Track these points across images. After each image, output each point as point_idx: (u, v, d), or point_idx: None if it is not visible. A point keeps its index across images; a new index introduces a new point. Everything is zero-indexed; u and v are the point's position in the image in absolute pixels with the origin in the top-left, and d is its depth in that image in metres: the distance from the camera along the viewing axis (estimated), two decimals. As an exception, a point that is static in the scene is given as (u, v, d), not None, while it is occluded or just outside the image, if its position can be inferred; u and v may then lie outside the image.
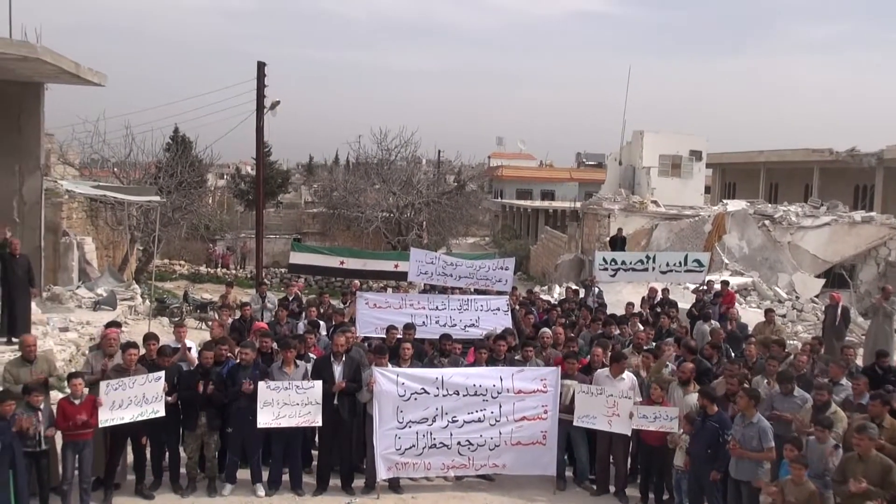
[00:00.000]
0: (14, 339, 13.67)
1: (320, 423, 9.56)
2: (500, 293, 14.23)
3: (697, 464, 8.88)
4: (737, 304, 18.98)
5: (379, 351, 10.05)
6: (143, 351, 9.71)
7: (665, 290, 17.12)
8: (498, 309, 13.14)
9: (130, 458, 9.67)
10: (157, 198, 24.46)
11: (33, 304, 15.23)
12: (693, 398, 9.32)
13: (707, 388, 9.23)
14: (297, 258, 17.33)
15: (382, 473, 9.59)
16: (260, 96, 25.48)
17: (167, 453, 9.71)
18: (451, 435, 9.74)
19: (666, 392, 9.73)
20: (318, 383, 9.45)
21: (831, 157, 36.78)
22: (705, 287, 17.90)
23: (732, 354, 11.82)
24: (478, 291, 14.69)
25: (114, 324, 10.83)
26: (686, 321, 15.50)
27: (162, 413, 9.05)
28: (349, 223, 41.51)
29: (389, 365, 9.89)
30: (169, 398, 9.24)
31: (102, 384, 8.82)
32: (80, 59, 18.15)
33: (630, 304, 15.68)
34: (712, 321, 14.33)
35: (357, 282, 19.12)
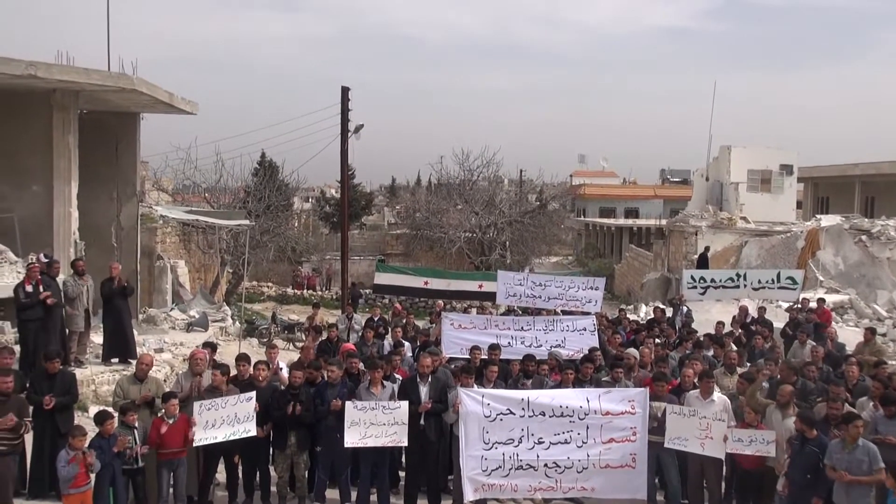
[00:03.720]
0: (112, 360, 14.23)
1: (406, 444, 9.58)
2: (585, 314, 14.05)
3: (796, 490, 8.52)
4: (833, 322, 18.30)
5: (465, 371, 10.03)
6: (234, 372, 9.93)
7: (761, 309, 16.63)
8: (584, 329, 12.96)
9: (222, 476, 9.89)
10: (246, 221, 25.16)
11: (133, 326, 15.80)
12: (791, 422, 8.97)
13: (805, 411, 8.87)
14: (382, 279, 17.54)
15: (469, 495, 9.52)
16: (344, 120, 25.97)
17: (258, 472, 9.88)
18: (538, 456, 9.60)
19: (762, 416, 9.41)
20: (405, 404, 9.47)
21: (932, 169, 35.21)
22: (800, 305, 17.31)
23: (832, 376, 11.34)
24: (563, 312, 14.55)
25: (209, 345, 11.11)
26: (780, 341, 15.00)
27: (253, 433, 9.21)
28: (432, 244, 41.77)
29: (475, 385, 9.86)
30: (261, 429, 9.39)
31: (196, 404, 9.04)
32: (173, 90, 18.89)
33: (720, 324, 15.28)
34: (810, 341, 13.82)
35: (441, 302, 19.20)
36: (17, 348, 12.43)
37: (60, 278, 13.60)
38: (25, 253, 16.05)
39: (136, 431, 8.83)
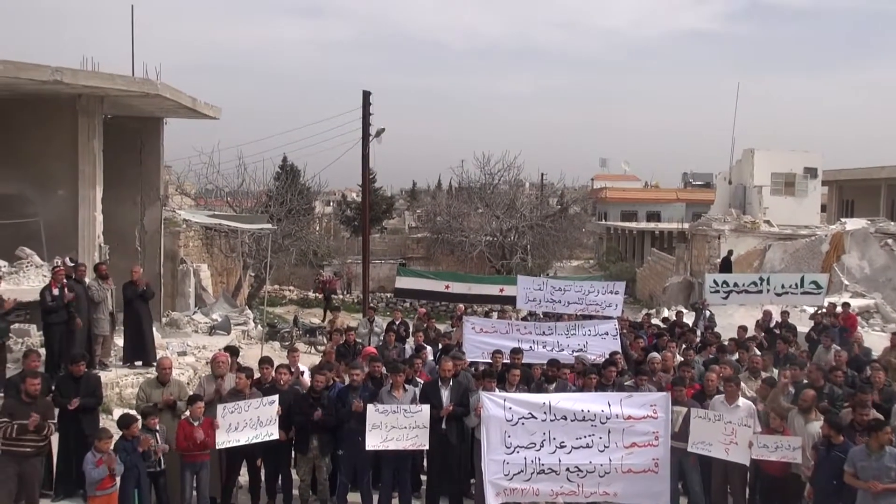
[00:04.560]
0: (136, 363, 14.34)
1: (427, 447, 9.59)
2: (607, 318, 13.98)
3: (822, 496, 8.42)
4: (859, 327, 18.10)
5: (487, 375, 10.02)
6: (256, 375, 9.98)
7: (784, 314, 16.47)
8: (606, 333, 12.90)
9: (244, 479, 9.93)
10: (269, 225, 25.27)
11: (154, 330, 15.92)
12: (815, 427, 8.88)
13: (833, 416, 8.77)
14: (403, 283, 17.53)
15: (491, 499, 9.49)
16: (365, 125, 26.02)
17: (280, 476, 9.91)
18: (560, 461, 9.57)
19: (785, 420, 9.31)
20: (426, 407, 9.47)
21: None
22: (825, 309, 17.14)
23: (858, 381, 11.21)
24: (584, 316, 14.48)
25: (231, 349, 11.17)
26: (805, 345, 14.85)
27: (276, 436, 9.25)
28: (453, 247, 41.78)
29: (497, 389, 9.84)
30: (283, 432, 9.43)
31: (219, 407, 9.10)
32: (196, 95, 19.04)
33: (743, 328, 15.14)
34: (834, 345, 13.67)
35: (462, 306, 19.17)
36: (43, 351, 12.55)
37: (86, 281, 13.71)
38: (51, 257, 16.21)
39: (157, 434, 8.90)
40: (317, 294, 37.98)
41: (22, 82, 15.17)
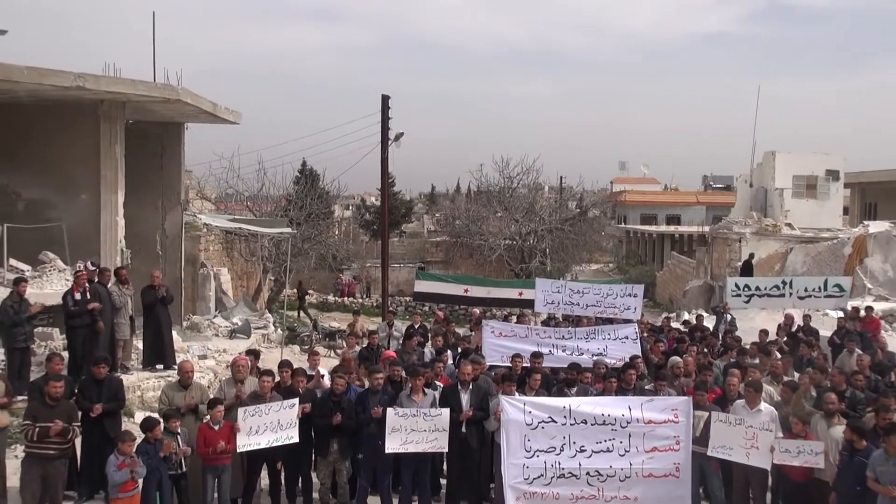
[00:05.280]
0: (158, 367, 14.44)
1: (446, 449, 9.59)
2: (627, 321, 13.93)
3: (845, 502, 8.34)
4: (882, 331, 17.91)
5: (507, 379, 10.00)
6: (277, 378, 10.01)
7: (807, 317, 16.33)
8: (626, 337, 12.84)
9: (265, 482, 9.97)
10: (288, 229, 25.39)
11: (174, 333, 16.02)
12: (837, 431, 8.79)
13: (856, 421, 8.69)
14: (422, 286, 17.57)
15: (511, 503, 9.48)
16: (384, 129, 26.04)
17: (301, 479, 9.94)
18: (580, 465, 9.53)
19: (807, 425, 9.23)
20: (446, 411, 9.48)
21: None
22: (848, 313, 16.98)
23: (881, 385, 11.09)
24: (604, 320, 14.43)
25: (252, 352, 11.23)
26: (827, 349, 14.71)
27: (296, 439, 9.28)
28: (472, 251, 41.74)
29: (516, 393, 9.83)
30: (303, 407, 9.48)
31: (240, 410, 9.14)
32: (216, 100, 19.18)
33: (764, 332, 15.03)
34: (857, 349, 13.54)
35: (477, 310, 19.15)
36: (66, 354, 12.66)
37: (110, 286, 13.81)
38: (73, 261, 16.38)
39: (179, 437, 8.96)
40: (336, 298, 38.13)
41: (45, 88, 15.35)
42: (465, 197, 55.29)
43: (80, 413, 9.21)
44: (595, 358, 11.98)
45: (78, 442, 9.35)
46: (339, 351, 21.49)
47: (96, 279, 13.49)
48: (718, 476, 9.70)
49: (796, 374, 11.48)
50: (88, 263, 14.99)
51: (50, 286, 15.61)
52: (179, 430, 9.00)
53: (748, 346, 13.36)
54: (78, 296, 12.81)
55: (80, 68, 15.38)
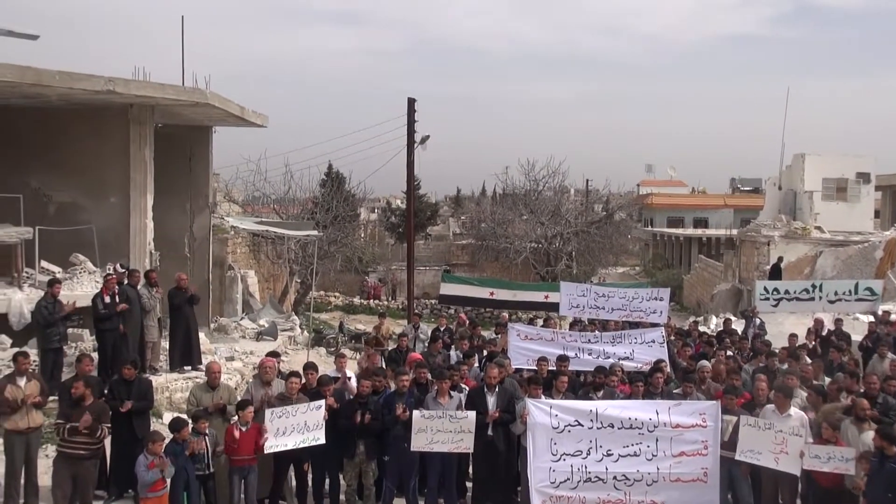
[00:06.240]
0: (185, 368, 14.56)
1: (471, 450, 9.58)
2: (653, 325, 13.84)
3: (877, 509, 8.22)
4: (915, 335, 17.61)
5: (533, 382, 9.97)
6: (303, 380, 10.06)
7: (838, 321, 16.11)
8: (653, 341, 12.76)
9: (292, 483, 10.01)
10: (314, 232, 25.47)
11: (202, 335, 16.15)
12: (869, 437, 8.66)
13: (886, 427, 8.55)
14: (448, 289, 17.55)
15: (537, 507, 9.45)
16: (410, 132, 26.10)
17: (327, 480, 9.97)
18: (607, 469, 9.48)
19: (838, 431, 9.10)
20: (472, 413, 9.47)
21: None
22: (879, 317, 16.74)
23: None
24: (631, 324, 14.35)
25: (272, 353, 11.30)
26: (858, 354, 14.51)
27: (322, 441, 9.31)
28: (497, 254, 41.70)
29: (543, 396, 9.80)
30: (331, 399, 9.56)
31: (267, 411, 9.19)
32: (243, 103, 19.30)
33: (794, 336, 14.85)
34: (889, 354, 13.34)
35: (505, 314, 19.11)
36: (96, 355, 12.80)
37: (139, 288, 13.94)
38: (103, 263, 16.56)
39: (207, 438, 9.03)
40: (362, 301, 38.22)
41: (76, 92, 15.54)
42: (491, 199, 55.31)
43: (110, 414, 9.31)
44: (621, 362, 11.91)
45: (107, 442, 9.45)
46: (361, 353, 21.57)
47: (126, 281, 13.63)
48: (748, 481, 9.59)
49: (826, 379, 11.31)
50: (118, 265, 15.15)
51: (80, 288, 15.81)
52: (208, 431, 9.08)
53: (777, 351, 13.23)
54: (107, 299, 12.95)
55: (109, 73, 15.57)
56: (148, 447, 8.52)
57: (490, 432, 9.64)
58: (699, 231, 54.75)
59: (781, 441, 8.98)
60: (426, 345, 14.33)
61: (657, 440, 9.45)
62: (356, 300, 38.37)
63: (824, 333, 15.68)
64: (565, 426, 9.44)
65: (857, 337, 16.07)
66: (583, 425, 9.46)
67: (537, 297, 16.88)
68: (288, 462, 9.59)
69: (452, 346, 13.76)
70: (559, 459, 9.41)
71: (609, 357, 12.29)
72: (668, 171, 77.61)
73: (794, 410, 9.42)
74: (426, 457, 9.63)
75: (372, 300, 38.84)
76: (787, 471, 9.06)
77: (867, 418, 9.05)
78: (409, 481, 9.77)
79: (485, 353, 12.99)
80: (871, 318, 16.86)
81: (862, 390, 10.17)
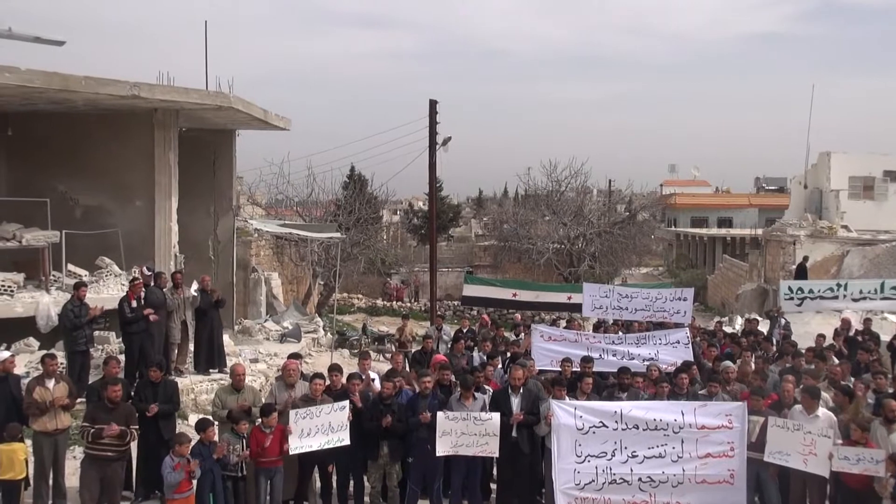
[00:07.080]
0: (211, 370, 14.65)
1: (497, 455, 9.56)
2: (678, 325, 13.75)
3: (907, 511, 8.11)
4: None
5: (557, 383, 9.94)
6: (327, 381, 10.09)
7: (867, 321, 15.94)
8: (678, 342, 12.68)
9: (317, 485, 10.04)
10: (337, 234, 25.54)
11: (226, 337, 16.24)
12: (897, 438, 8.54)
13: (916, 428, 8.44)
14: (470, 290, 17.52)
15: (562, 509, 9.41)
16: (432, 133, 26.11)
17: (352, 482, 9.99)
18: (632, 470, 9.42)
19: (867, 432, 8.99)
20: (496, 415, 9.45)
21: None
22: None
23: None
24: (655, 325, 14.27)
25: (294, 355, 11.36)
26: (887, 354, 14.34)
27: (347, 442, 9.33)
28: (520, 255, 41.58)
29: (567, 397, 9.76)
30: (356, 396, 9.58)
31: (291, 413, 9.23)
32: (267, 107, 19.40)
33: (821, 337, 14.70)
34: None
35: (519, 315, 19.08)
36: (122, 358, 12.92)
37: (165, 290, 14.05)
38: (129, 266, 16.72)
39: (243, 440, 9.09)
40: (385, 303, 38.27)
41: (101, 97, 15.70)
42: (513, 201, 55.13)
43: (137, 416, 9.39)
44: (647, 363, 11.83)
45: (134, 444, 9.53)
46: (387, 355, 21.60)
47: (152, 283, 13.74)
48: (776, 483, 9.50)
49: (853, 380, 11.19)
50: (144, 268, 15.27)
51: (106, 291, 15.98)
52: (244, 434, 9.13)
53: (804, 351, 13.10)
54: (134, 303, 13.06)
55: (134, 78, 15.72)
56: (174, 449, 8.59)
57: (514, 434, 9.61)
58: (723, 231, 54.28)
59: (810, 442, 8.87)
60: (449, 346, 14.32)
61: (683, 441, 9.38)
62: (379, 302, 38.44)
63: (851, 333, 15.51)
64: (590, 427, 9.40)
65: (885, 337, 15.88)
66: (607, 426, 9.41)
67: (560, 297, 16.79)
68: (312, 464, 9.63)
69: (475, 348, 13.76)
70: (584, 461, 9.36)
71: (633, 358, 12.23)
72: (691, 170, 76.98)
73: (821, 411, 9.31)
74: (450, 459, 9.62)
75: (395, 302, 38.89)
76: (815, 472, 8.95)
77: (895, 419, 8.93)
78: (433, 483, 9.76)
79: (508, 354, 12.97)
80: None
81: (892, 391, 10.04)
